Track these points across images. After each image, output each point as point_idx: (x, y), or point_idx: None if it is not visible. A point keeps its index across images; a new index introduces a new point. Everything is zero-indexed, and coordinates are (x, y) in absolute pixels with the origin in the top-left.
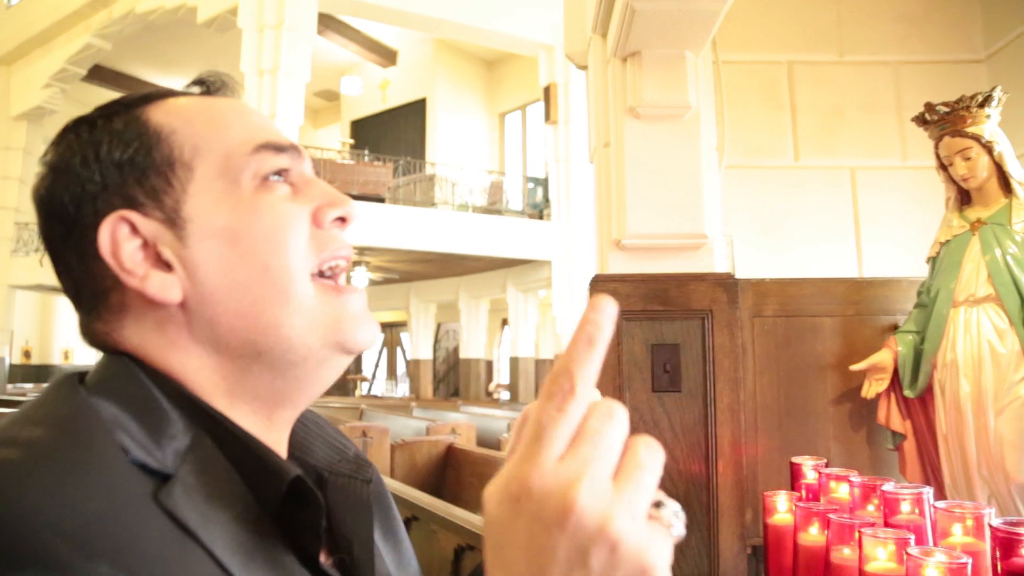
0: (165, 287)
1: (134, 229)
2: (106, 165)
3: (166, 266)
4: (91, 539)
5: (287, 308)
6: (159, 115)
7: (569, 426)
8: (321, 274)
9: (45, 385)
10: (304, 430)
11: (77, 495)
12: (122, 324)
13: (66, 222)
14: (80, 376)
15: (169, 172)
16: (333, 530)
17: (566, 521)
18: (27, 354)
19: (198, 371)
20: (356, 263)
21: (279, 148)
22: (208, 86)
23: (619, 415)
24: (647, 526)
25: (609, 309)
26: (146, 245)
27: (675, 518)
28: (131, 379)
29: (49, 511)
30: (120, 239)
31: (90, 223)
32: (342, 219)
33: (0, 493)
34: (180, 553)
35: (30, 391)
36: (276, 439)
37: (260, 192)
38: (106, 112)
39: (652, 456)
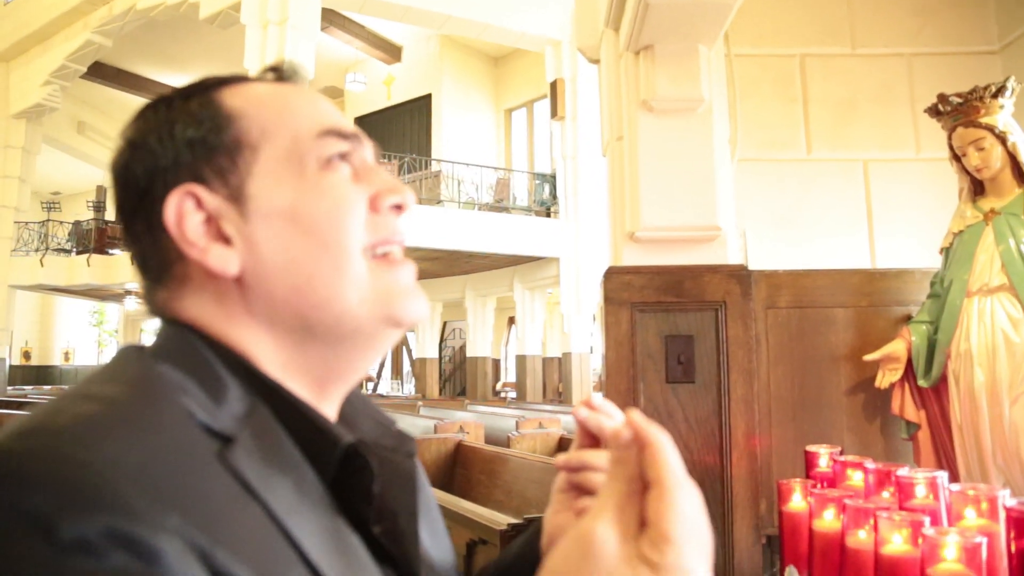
0: (224, 260)
1: (199, 204)
2: (179, 142)
3: (227, 241)
4: (164, 492)
5: (341, 284)
6: (232, 98)
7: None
8: (374, 255)
9: (47, 387)
10: (350, 406)
11: (153, 450)
12: (183, 295)
13: (137, 194)
14: (142, 347)
15: (236, 152)
16: (379, 502)
17: None
18: (27, 355)
19: (253, 344)
20: None
21: (344, 135)
22: (280, 73)
23: None
24: None
25: None
26: (209, 220)
27: None
28: (190, 347)
29: (127, 463)
30: (185, 212)
31: (159, 196)
32: (399, 207)
33: (83, 442)
34: (242, 510)
35: (30, 393)
36: (327, 412)
37: (323, 173)
38: (184, 93)
39: None
